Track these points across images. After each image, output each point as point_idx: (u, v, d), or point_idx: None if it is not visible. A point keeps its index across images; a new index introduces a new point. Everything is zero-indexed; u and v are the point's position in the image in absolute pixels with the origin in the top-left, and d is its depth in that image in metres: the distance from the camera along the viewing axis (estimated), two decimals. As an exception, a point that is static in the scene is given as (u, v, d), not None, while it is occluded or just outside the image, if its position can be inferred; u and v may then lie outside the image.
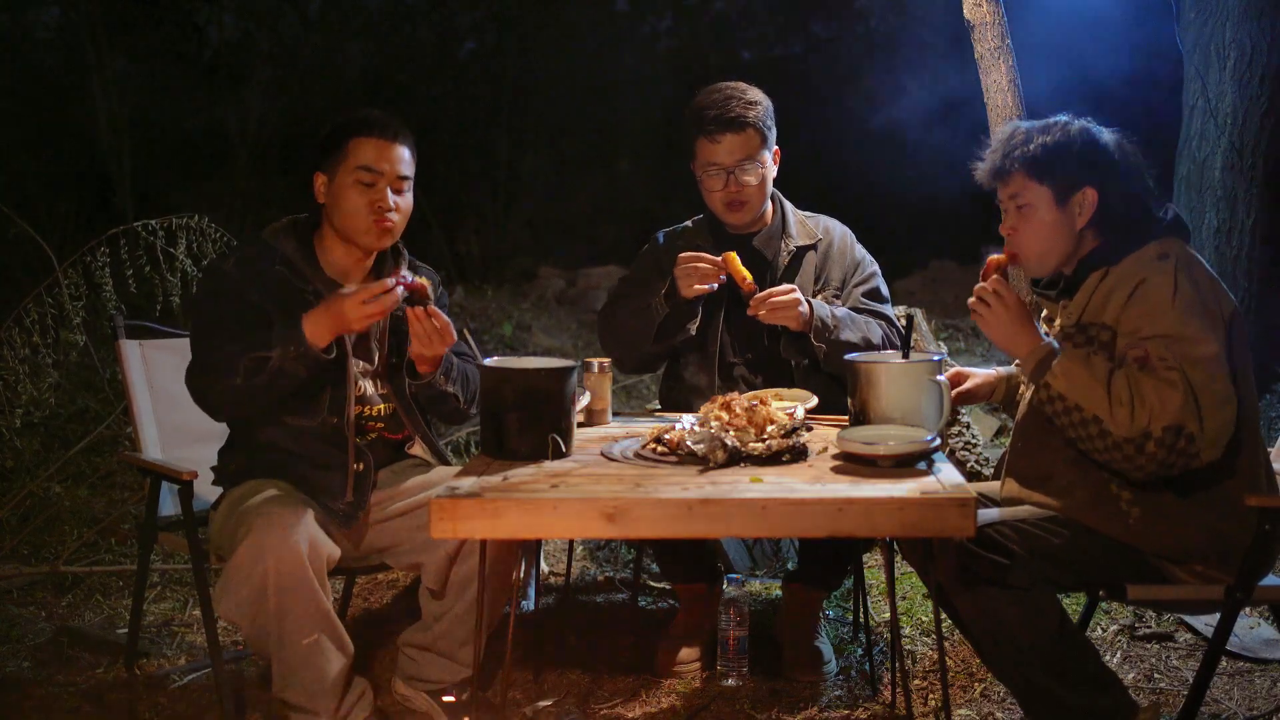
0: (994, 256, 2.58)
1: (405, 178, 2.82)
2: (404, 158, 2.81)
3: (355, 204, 2.77)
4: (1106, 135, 2.53)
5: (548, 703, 2.98)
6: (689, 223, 3.41)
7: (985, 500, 2.68)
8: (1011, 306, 2.49)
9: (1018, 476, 2.61)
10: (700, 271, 3.07)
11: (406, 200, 2.84)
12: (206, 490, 2.99)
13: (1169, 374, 2.30)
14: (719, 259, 3.07)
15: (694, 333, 3.20)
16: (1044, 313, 2.69)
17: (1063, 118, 2.55)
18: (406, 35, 13.20)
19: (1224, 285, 2.47)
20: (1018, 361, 2.55)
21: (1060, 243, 2.53)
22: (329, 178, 2.81)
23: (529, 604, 3.57)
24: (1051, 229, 2.52)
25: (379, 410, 2.91)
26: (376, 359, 2.91)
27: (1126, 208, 2.49)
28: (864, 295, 3.26)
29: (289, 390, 2.68)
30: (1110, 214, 2.49)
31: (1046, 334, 2.56)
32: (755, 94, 3.19)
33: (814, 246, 3.28)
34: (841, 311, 3.15)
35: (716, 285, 3.09)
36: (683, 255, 3.10)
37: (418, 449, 3.05)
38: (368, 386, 2.89)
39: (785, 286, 3.08)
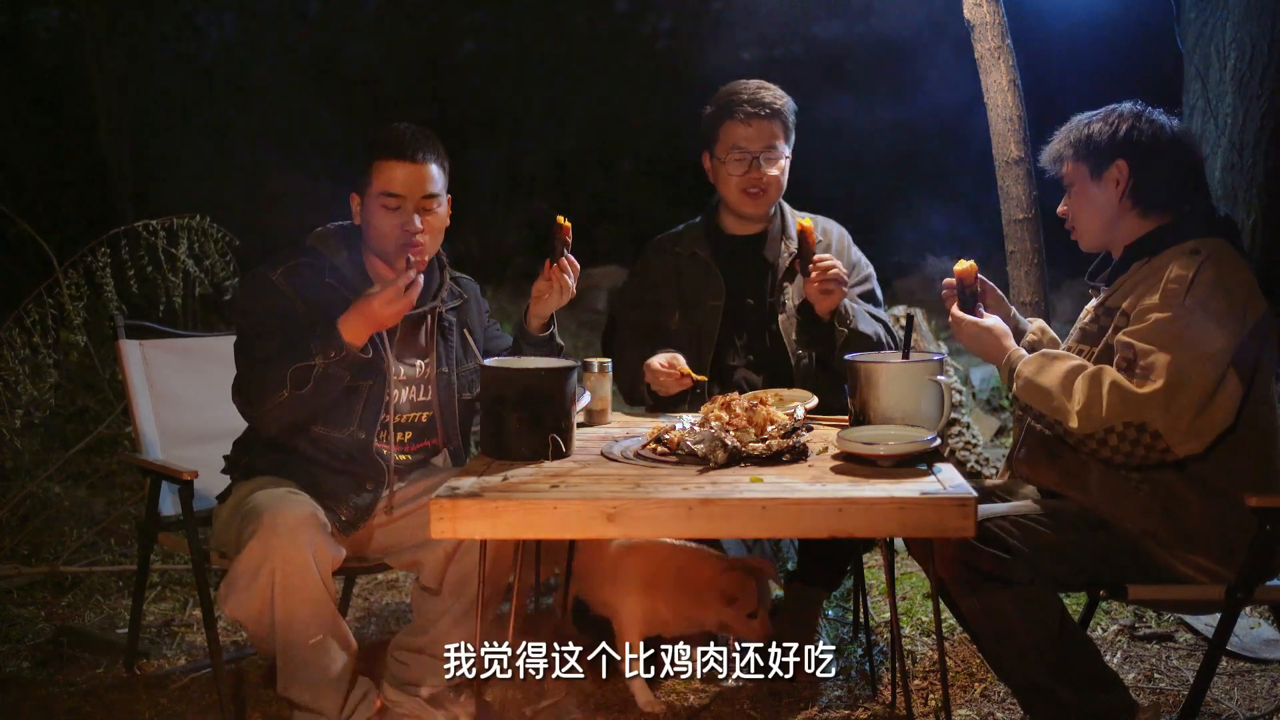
0: (960, 266, 2.67)
1: (433, 196, 2.78)
2: (430, 176, 2.77)
3: (382, 227, 2.76)
4: (1156, 116, 2.56)
5: (548, 703, 2.98)
6: (681, 227, 3.42)
7: (985, 497, 2.68)
8: (968, 326, 2.62)
9: (1029, 459, 2.61)
10: (664, 385, 3.11)
11: (436, 217, 2.81)
12: (208, 488, 2.99)
13: (1145, 374, 2.34)
14: (679, 372, 3.09)
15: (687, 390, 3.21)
16: (1090, 303, 2.71)
17: (1119, 105, 2.59)
18: (406, 35, 13.20)
19: (1259, 290, 2.46)
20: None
21: (1105, 218, 2.57)
22: (361, 199, 2.80)
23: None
24: (1093, 204, 2.57)
25: (409, 419, 2.91)
26: (421, 368, 2.90)
27: (1166, 185, 2.52)
28: (859, 297, 3.27)
29: (333, 395, 2.69)
30: (1149, 189, 2.52)
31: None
32: (782, 92, 3.27)
33: None
34: (854, 305, 3.16)
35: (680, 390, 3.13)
36: (647, 366, 3.13)
37: (439, 461, 3.03)
38: (402, 394, 2.88)
39: (834, 260, 3.08)
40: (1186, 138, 2.58)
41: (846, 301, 3.11)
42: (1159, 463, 2.37)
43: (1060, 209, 2.67)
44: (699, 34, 13.98)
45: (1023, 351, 2.56)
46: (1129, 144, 2.52)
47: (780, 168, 3.24)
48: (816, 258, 3.05)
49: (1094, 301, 2.65)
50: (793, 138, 3.28)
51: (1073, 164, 2.59)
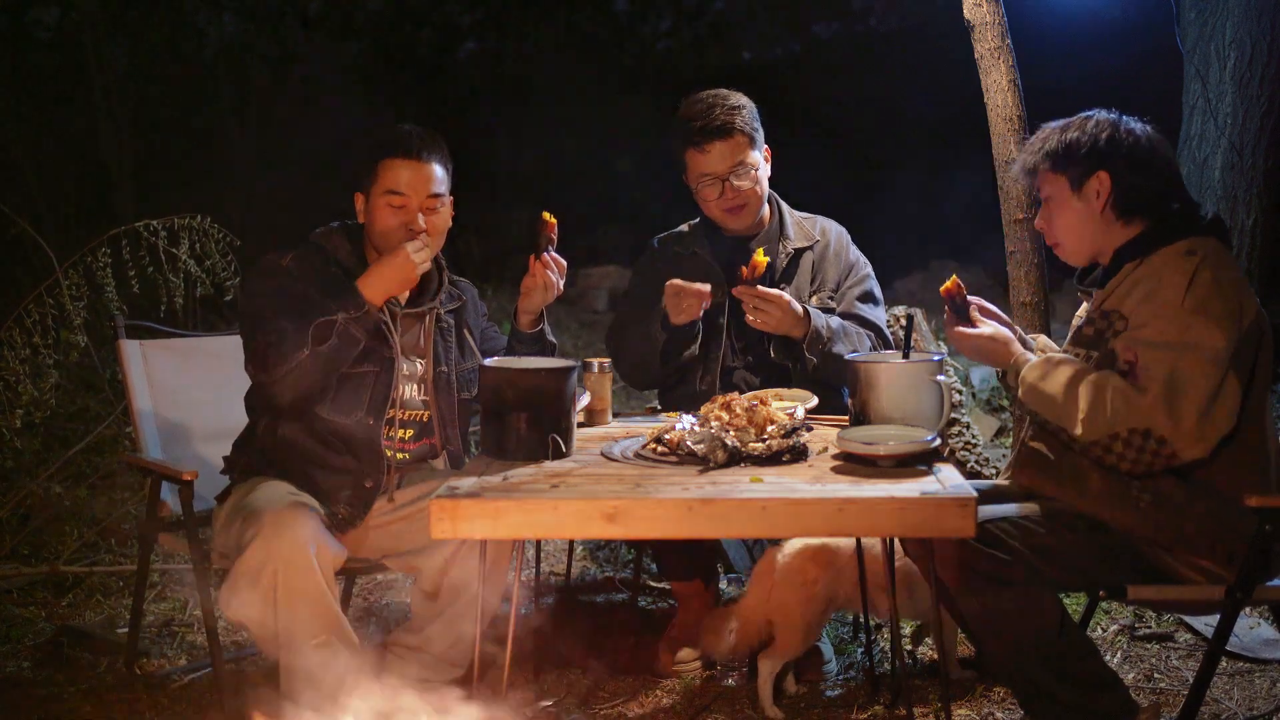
0: (945, 286, 2.64)
1: (437, 195, 2.82)
2: (435, 176, 2.81)
3: (387, 226, 2.79)
4: (1132, 124, 2.55)
5: (548, 703, 2.98)
6: (684, 227, 3.42)
7: (986, 498, 2.67)
8: (969, 338, 2.56)
9: (1032, 464, 2.61)
10: (684, 305, 3.08)
11: (440, 217, 2.84)
12: (208, 488, 2.99)
13: (1147, 381, 2.32)
14: (704, 289, 3.07)
15: (696, 353, 3.21)
16: (1081, 307, 2.70)
17: (1092, 112, 2.58)
18: (406, 35, 13.20)
19: (1252, 291, 2.46)
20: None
21: (1088, 230, 2.56)
22: (365, 197, 2.82)
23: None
24: (1075, 217, 2.56)
25: (412, 416, 2.92)
26: (422, 366, 2.92)
27: (1149, 192, 2.51)
28: (858, 298, 3.28)
29: (349, 358, 2.71)
30: (1131, 198, 2.51)
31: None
32: (738, 98, 3.20)
33: (811, 248, 3.30)
34: (836, 323, 3.16)
35: (701, 313, 3.11)
36: (669, 285, 3.11)
37: (439, 464, 3.03)
38: (407, 390, 2.90)
39: (775, 291, 3.09)
40: (1162, 144, 2.56)
41: (824, 324, 3.11)
42: (1164, 469, 2.36)
43: (1038, 223, 2.66)
44: (699, 34, 13.99)
45: (1029, 356, 2.54)
46: (1110, 154, 2.50)
47: (754, 178, 3.19)
48: (737, 289, 3.06)
49: (1086, 305, 2.64)
50: (760, 137, 3.22)
51: (1050, 175, 2.57)
